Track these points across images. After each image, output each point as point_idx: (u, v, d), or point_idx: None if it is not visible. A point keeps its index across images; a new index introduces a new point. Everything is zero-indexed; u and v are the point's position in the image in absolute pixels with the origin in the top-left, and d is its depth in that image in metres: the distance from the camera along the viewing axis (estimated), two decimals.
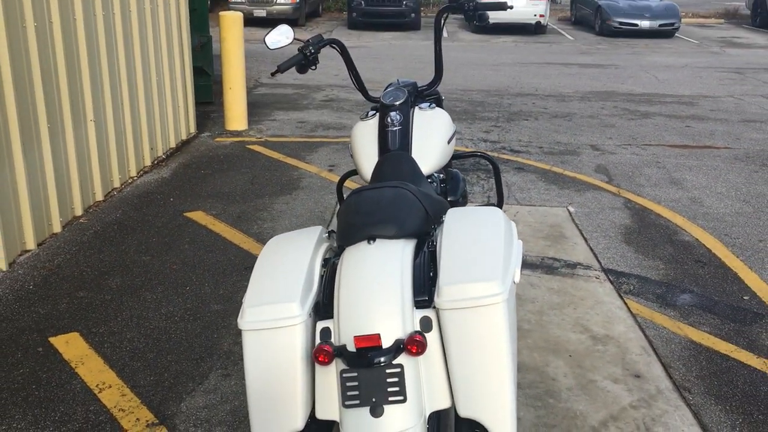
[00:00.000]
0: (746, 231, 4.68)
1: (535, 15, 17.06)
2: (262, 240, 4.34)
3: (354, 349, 1.64)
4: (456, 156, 3.10)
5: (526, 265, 4.04)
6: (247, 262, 4.05)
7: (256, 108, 8.10)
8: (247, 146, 6.53)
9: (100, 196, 4.99)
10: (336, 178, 5.39)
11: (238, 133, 6.97)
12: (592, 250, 4.30)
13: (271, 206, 4.99)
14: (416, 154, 2.55)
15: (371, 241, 1.84)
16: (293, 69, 2.77)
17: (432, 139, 2.61)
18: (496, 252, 1.76)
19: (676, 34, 17.28)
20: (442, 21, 2.88)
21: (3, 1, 3.79)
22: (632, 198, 5.28)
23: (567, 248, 4.31)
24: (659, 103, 8.93)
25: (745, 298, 3.76)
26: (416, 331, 1.67)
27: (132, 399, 2.82)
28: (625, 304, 3.63)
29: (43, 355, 3.12)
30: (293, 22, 17.38)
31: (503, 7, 2.97)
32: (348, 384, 1.64)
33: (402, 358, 1.66)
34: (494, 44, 15.43)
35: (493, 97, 9.14)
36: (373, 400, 1.64)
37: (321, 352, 1.66)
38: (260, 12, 17.09)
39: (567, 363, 3.08)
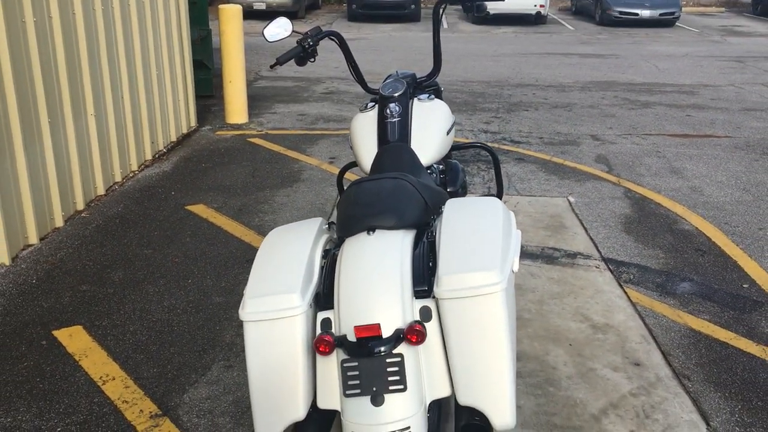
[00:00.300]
0: (746, 219, 4.69)
1: (535, 5, 17.03)
2: (263, 232, 4.36)
3: (354, 339, 1.66)
4: (455, 147, 3.11)
5: (527, 255, 4.06)
6: (249, 254, 4.07)
7: (256, 101, 8.10)
8: (248, 139, 6.54)
9: (101, 190, 5.01)
10: (337, 170, 5.39)
11: (238, 126, 6.98)
12: (592, 239, 4.31)
13: (272, 199, 5.00)
14: (415, 145, 2.56)
15: (371, 232, 1.86)
16: (293, 63, 2.78)
17: (431, 130, 2.62)
18: (495, 242, 1.78)
19: (676, 23, 17.25)
20: (441, 12, 2.89)
21: None
22: (632, 187, 5.29)
23: (567, 238, 4.33)
24: (660, 93, 8.92)
25: (744, 286, 3.77)
26: (416, 321, 1.69)
27: (135, 391, 2.84)
28: (625, 293, 3.64)
29: (46, 348, 3.14)
30: (293, 15, 17.36)
31: None
32: (349, 373, 1.66)
33: (402, 348, 1.67)
34: (494, 35, 15.40)
35: (494, 88, 9.13)
36: (374, 389, 1.65)
37: (321, 342, 1.68)
38: (260, 5, 17.07)
39: (567, 352, 3.10)
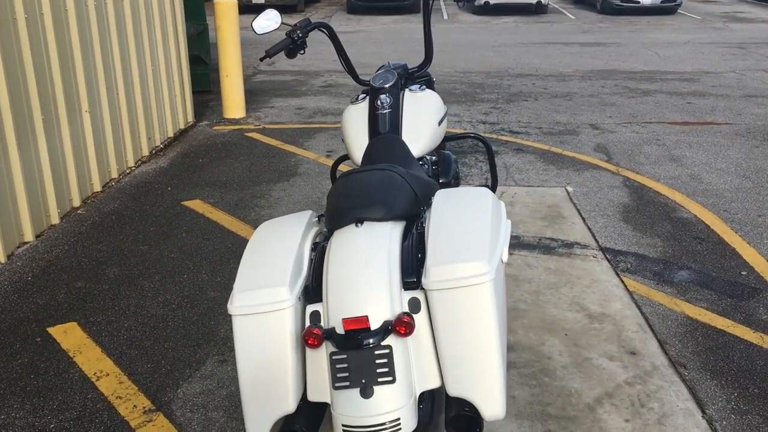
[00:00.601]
0: (745, 206, 4.66)
1: None
2: None
3: (343, 332, 1.65)
4: (449, 137, 3.09)
5: (524, 245, 4.04)
6: (244, 249, 4.05)
7: (254, 95, 8.08)
8: (245, 134, 6.52)
9: (97, 187, 5.00)
10: None
11: (236, 121, 6.97)
12: (589, 229, 4.29)
13: (269, 193, 4.99)
14: (407, 136, 2.55)
15: (359, 224, 1.85)
16: (294, 57, 2.76)
17: (422, 121, 2.60)
18: (483, 232, 1.76)
19: (678, 11, 17.15)
20: (430, 2, 2.87)
21: None
22: (631, 176, 5.26)
23: (565, 228, 4.30)
24: (660, 81, 8.87)
25: (742, 273, 3.75)
26: (404, 312, 1.68)
27: (129, 386, 2.84)
28: (622, 281, 3.63)
29: (41, 344, 3.14)
30: (292, 8, 17.32)
31: None
32: (338, 366, 1.66)
33: (390, 340, 1.67)
34: (495, 25, 15.33)
35: (493, 79, 9.10)
36: (363, 381, 1.65)
37: (310, 335, 1.68)
38: None
39: (563, 341, 3.08)
